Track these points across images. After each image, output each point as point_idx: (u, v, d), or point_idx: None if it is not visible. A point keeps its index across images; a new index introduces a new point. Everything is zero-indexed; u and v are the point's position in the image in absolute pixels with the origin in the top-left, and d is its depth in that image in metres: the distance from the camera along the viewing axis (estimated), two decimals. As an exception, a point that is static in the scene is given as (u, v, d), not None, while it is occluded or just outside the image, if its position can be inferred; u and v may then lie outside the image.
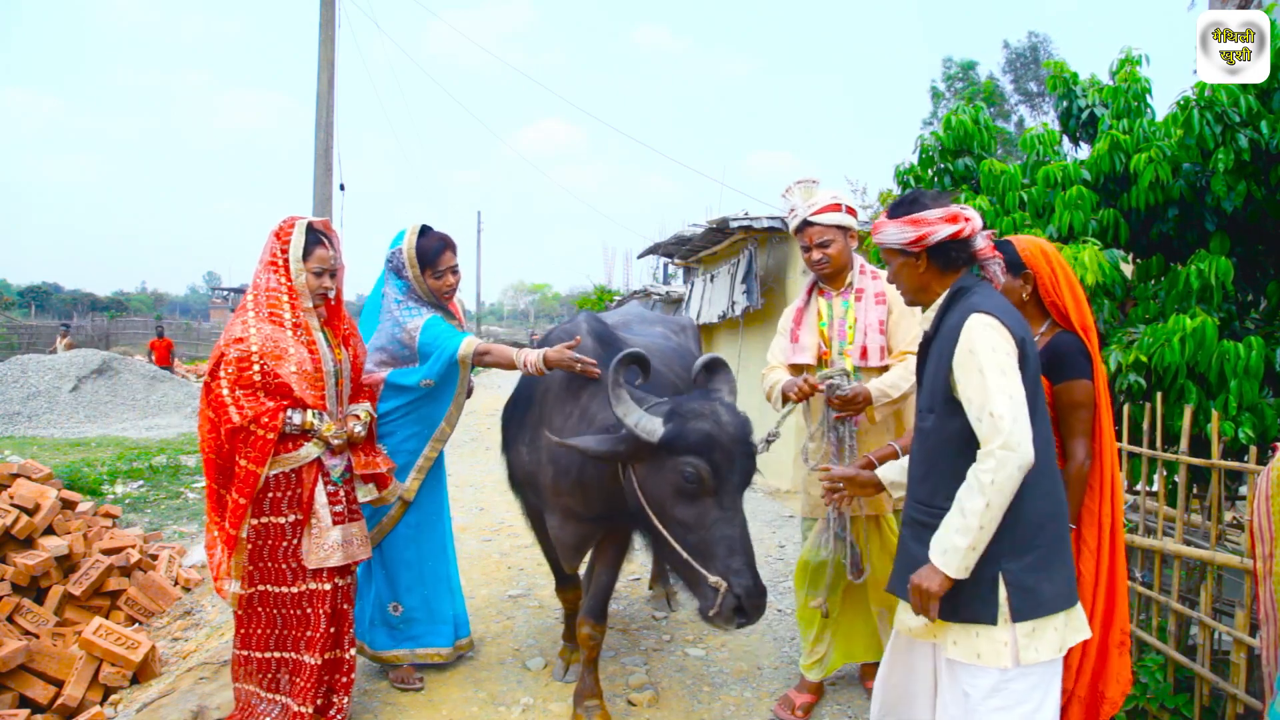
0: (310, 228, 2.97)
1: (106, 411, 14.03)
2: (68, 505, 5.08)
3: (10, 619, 4.12)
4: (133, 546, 4.97)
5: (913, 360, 2.89)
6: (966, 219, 2.12)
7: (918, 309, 2.89)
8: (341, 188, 13.19)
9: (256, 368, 2.82)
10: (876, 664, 3.34)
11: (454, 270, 3.41)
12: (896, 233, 2.16)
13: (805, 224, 3.12)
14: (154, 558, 5.27)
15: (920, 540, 2.08)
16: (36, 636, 4.05)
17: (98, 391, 14.49)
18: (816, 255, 3.14)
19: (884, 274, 3.19)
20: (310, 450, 2.91)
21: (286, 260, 2.92)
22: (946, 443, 2.07)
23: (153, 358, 19.00)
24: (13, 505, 4.53)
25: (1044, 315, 2.49)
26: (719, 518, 2.50)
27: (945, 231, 2.10)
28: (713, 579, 2.45)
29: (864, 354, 3.09)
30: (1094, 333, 2.43)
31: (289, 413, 2.85)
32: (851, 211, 3.12)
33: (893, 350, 3.11)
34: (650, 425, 2.55)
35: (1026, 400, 1.93)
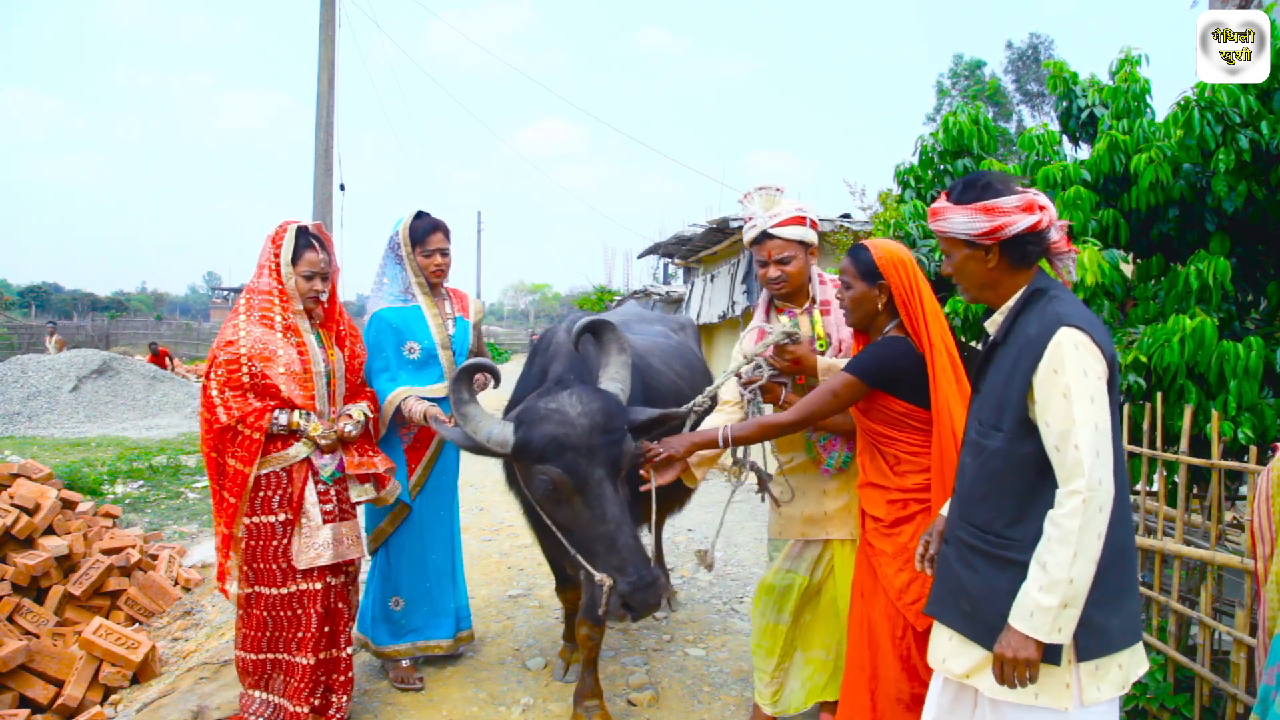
0: (302, 231, 3.01)
1: (106, 411, 14.02)
2: (68, 505, 5.08)
3: (10, 619, 4.12)
4: (133, 546, 4.97)
5: None
6: (1042, 208, 1.88)
7: None
8: (341, 188, 13.20)
9: (245, 369, 2.87)
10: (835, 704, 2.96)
11: (443, 252, 3.52)
12: (966, 222, 1.91)
13: (765, 236, 2.85)
14: (154, 558, 5.27)
15: (966, 563, 1.94)
16: (37, 636, 4.05)
17: (98, 391, 14.48)
18: (774, 273, 2.87)
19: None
20: (299, 450, 2.94)
21: (278, 264, 2.97)
22: (1016, 467, 1.86)
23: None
24: (13, 505, 4.53)
25: (890, 320, 2.51)
26: (590, 517, 2.45)
27: (1023, 223, 1.86)
28: (599, 577, 2.43)
29: None
30: (942, 352, 2.38)
31: (276, 413, 2.89)
32: (814, 225, 2.91)
33: None
34: (502, 436, 2.52)
35: (1111, 427, 1.76)
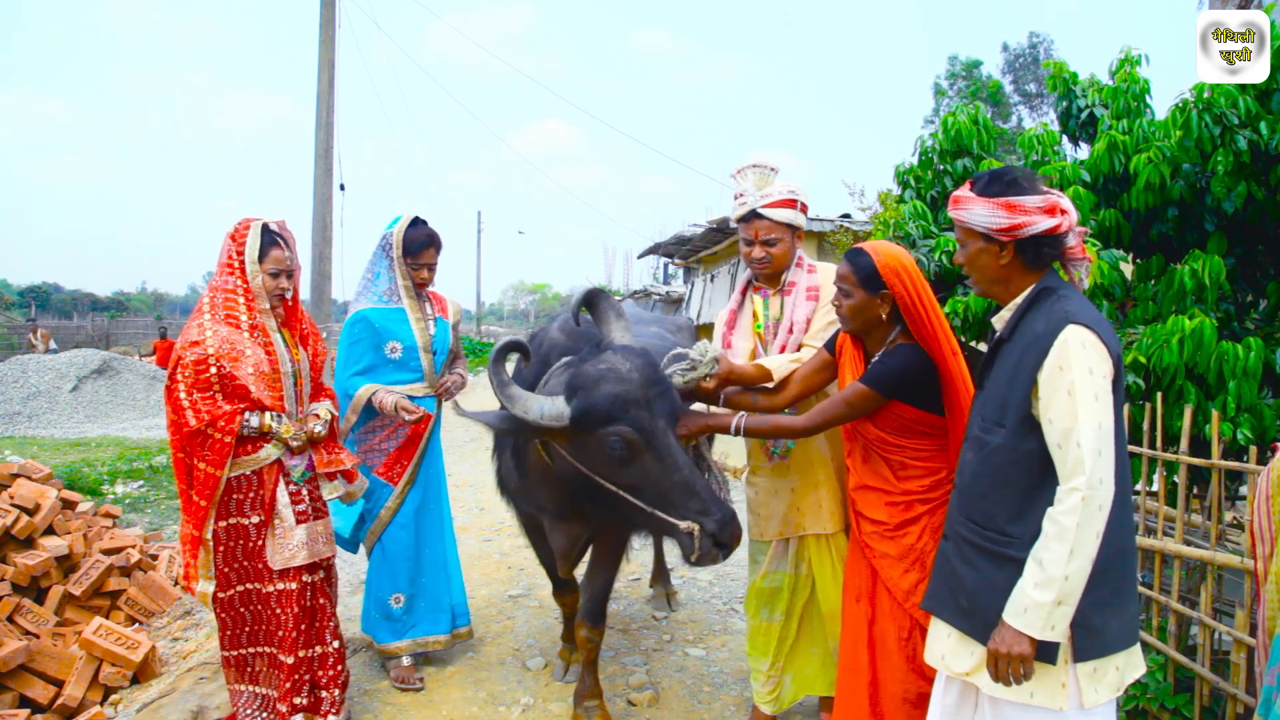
0: (266, 229, 2.98)
1: (106, 411, 14.02)
2: (68, 505, 5.07)
3: (10, 619, 4.11)
4: (133, 546, 4.96)
5: (805, 353, 2.76)
6: (1064, 212, 1.88)
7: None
8: (342, 188, 13.24)
9: (213, 370, 2.82)
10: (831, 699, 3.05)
11: (430, 267, 3.62)
12: (987, 215, 1.89)
13: (754, 215, 2.80)
14: (154, 558, 5.26)
15: (964, 559, 1.94)
16: (36, 636, 4.04)
17: (98, 391, 14.47)
18: (759, 253, 2.84)
19: (821, 267, 2.95)
20: (270, 452, 2.92)
21: (243, 262, 2.93)
22: (1018, 464, 1.86)
23: (155, 358, 19.00)
24: (13, 505, 4.52)
25: (893, 327, 2.44)
26: (663, 469, 2.41)
27: (1043, 225, 1.85)
28: (684, 525, 2.38)
29: (782, 353, 2.85)
30: (958, 356, 2.34)
31: (246, 415, 2.86)
32: (805, 209, 2.85)
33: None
34: (555, 410, 2.45)
35: (1115, 427, 1.76)
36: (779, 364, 2.73)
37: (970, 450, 2.01)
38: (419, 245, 3.54)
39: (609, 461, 2.45)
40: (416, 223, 3.58)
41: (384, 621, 3.58)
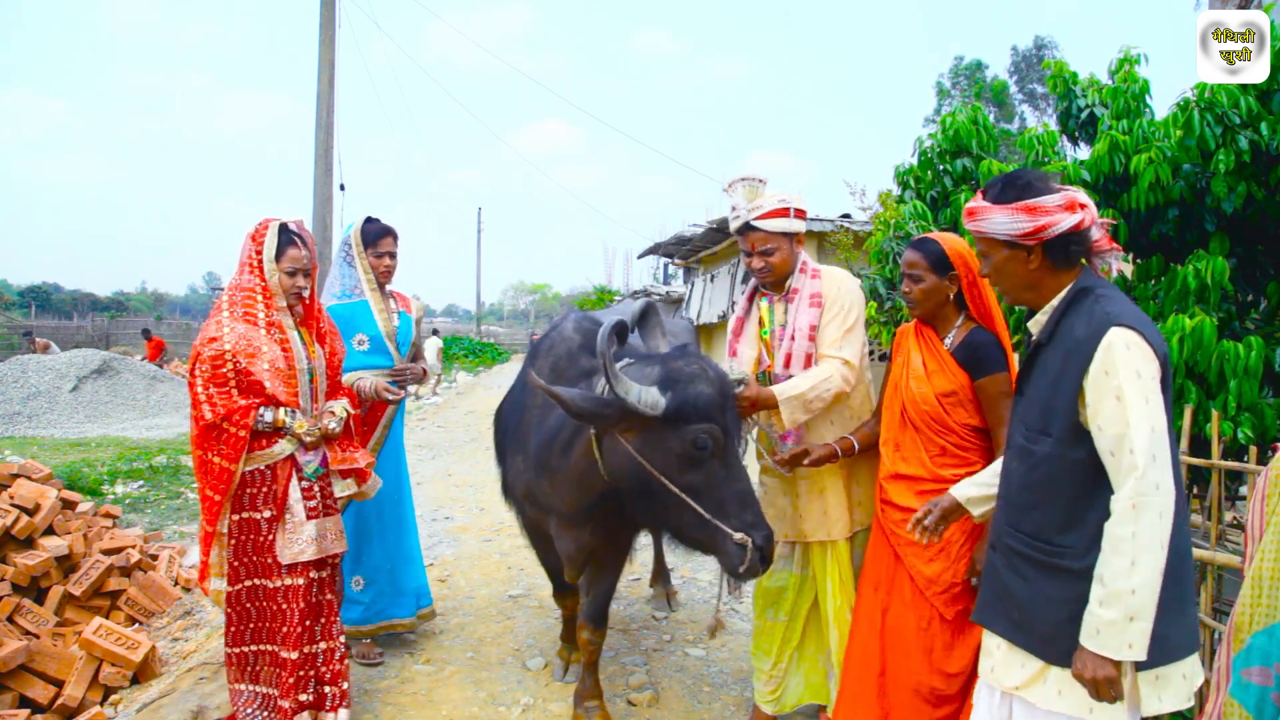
0: (284, 229, 3.03)
1: (106, 411, 14.01)
2: (68, 505, 5.07)
3: (10, 619, 4.11)
4: (133, 546, 4.96)
5: (827, 366, 2.77)
6: (1083, 206, 1.82)
7: (852, 309, 2.83)
8: (342, 188, 13.21)
9: (229, 366, 2.88)
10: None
11: (392, 255, 3.81)
12: (1008, 222, 1.83)
13: (748, 227, 2.86)
14: (154, 558, 5.26)
15: (1015, 570, 1.87)
16: (36, 636, 4.04)
17: (98, 391, 14.46)
18: (758, 263, 2.89)
19: (825, 271, 2.97)
20: (283, 447, 2.96)
21: (261, 261, 2.98)
22: (1067, 473, 1.79)
23: (147, 355, 19.12)
24: (13, 505, 4.52)
25: (958, 312, 2.61)
26: (727, 476, 2.46)
27: (1067, 222, 1.79)
28: (737, 536, 2.38)
29: (787, 362, 2.86)
30: (1006, 331, 2.57)
31: (261, 410, 2.90)
32: (800, 214, 2.86)
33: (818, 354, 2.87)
34: (650, 398, 2.44)
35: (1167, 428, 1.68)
36: (804, 384, 2.76)
37: (1015, 459, 1.94)
38: (376, 234, 3.74)
39: (683, 459, 2.45)
40: (370, 220, 3.79)
41: (346, 604, 3.67)
